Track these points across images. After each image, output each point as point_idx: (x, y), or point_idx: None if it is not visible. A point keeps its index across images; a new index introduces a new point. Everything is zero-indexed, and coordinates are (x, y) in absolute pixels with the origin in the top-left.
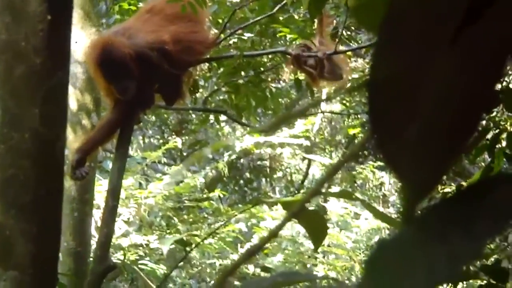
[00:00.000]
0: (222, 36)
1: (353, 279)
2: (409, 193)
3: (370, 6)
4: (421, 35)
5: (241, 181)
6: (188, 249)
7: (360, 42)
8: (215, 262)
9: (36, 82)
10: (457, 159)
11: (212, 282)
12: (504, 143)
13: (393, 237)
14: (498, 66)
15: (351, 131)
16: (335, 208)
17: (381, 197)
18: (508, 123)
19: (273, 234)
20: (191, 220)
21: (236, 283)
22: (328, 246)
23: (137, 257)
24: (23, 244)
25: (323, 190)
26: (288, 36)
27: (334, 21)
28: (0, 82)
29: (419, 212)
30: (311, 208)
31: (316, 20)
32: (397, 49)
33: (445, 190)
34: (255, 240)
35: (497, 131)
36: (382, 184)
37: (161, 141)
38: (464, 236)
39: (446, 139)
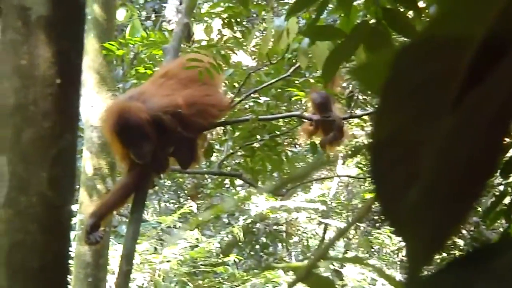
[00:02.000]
0: (237, 99)
1: None
2: (413, 255)
3: (371, 67)
4: (422, 97)
5: (257, 246)
6: None
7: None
8: None
9: (44, 146)
10: (463, 222)
11: None
12: None
13: None
14: (500, 131)
15: (367, 195)
16: (351, 273)
17: (398, 262)
18: None
19: None
20: (206, 285)
21: None
22: None
23: None
24: None
25: (340, 256)
26: (304, 100)
27: (350, 85)
28: (8, 146)
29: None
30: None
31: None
32: (398, 110)
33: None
34: None
35: None
36: (399, 249)
37: (176, 205)
38: None
39: (448, 202)
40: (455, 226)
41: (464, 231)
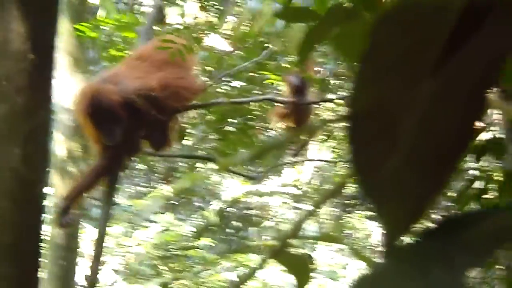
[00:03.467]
0: (210, 82)
1: None
2: (389, 227)
3: (349, 36)
4: (402, 66)
5: (229, 230)
6: None
7: (348, 90)
8: None
9: (18, 121)
10: (439, 192)
11: None
12: (491, 193)
13: (372, 270)
14: (478, 99)
15: (339, 180)
16: (322, 257)
17: (368, 247)
18: (496, 173)
19: (251, 274)
20: (178, 268)
21: None
22: None
23: None
24: (2, 287)
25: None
26: (276, 84)
27: (322, 69)
28: None
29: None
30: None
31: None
32: (377, 80)
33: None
34: None
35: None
36: (370, 234)
37: (148, 188)
38: (444, 268)
39: (426, 173)
40: (434, 195)
41: (435, 216)
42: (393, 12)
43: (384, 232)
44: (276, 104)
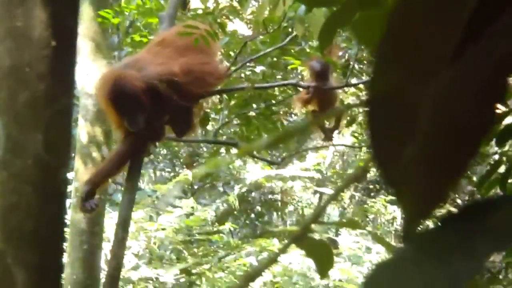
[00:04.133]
0: (233, 68)
1: None
2: (408, 213)
3: (368, 22)
4: (420, 52)
5: (252, 215)
6: (193, 279)
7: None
8: None
9: (40, 108)
10: (458, 180)
11: None
12: None
13: (391, 257)
14: (498, 86)
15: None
16: (346, 242)
17: (393, 232)
18: None
19: (274, 259)
20: (201, 253)
21: None
22: (340, 280)
23: None
24: (24, 273)
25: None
26: (300, 69)
27: (346, 54)
28: (3, 108)
29: (419, 232)
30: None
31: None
32: (396, 66)
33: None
34: (265, 274)
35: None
36: (394, 218)
37: (172, 174)
38: (463, 255)
39: (445, 159)
40: (452, 182)
41: (459, 200)
42: None
43: (404, 218)
44: (299, 89)
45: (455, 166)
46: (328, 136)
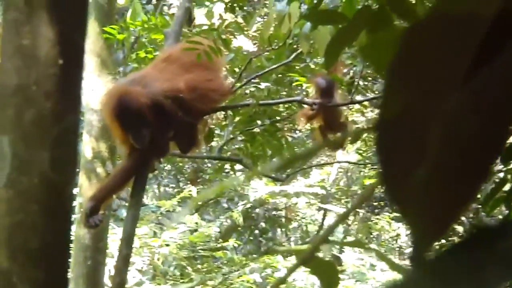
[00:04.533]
0: (238, 84)
1: None
2: (418, 237)
3: (379, 45)
4: (431, 74)
5: (256, 231)
6: None
7: (377, 92)
8: None
9: (46, 126)
10: (468, 204)
11: None
12: None
13: (400, 280)
14: (509, 110)
15: (367, 182)
16: (350, 259)
17: (397, 249)
18: None
19: (283, 280)
20: (205, 269)
21: None
22: None
23: None
24: None
25: (340, 241)
26: (304, 86)
27: (351, 71)
28: (10, 126)
29: (428, 257)
30: (323, 257)
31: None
32: (406, 88)
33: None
34: None
35: None
36: (398, 235)
37: (176, 190)
38: (474, 281)
39: (455, 182)
40: (462, 206)
41: (463, 218)
42: (424, 21)
43: (412, 242)
44: (304, 105)
45: (466, 189)
46: (336, 147)
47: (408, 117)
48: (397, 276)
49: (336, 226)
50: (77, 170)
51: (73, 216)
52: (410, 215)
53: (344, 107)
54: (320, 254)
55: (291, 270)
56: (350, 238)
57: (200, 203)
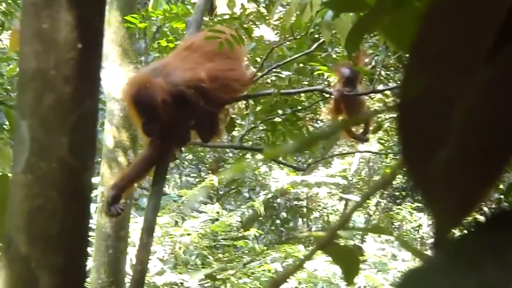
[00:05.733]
0: (260, 74)
1: None
2: (439, 220)
3: (399, 25)
4: (453, 54)
5: (278, 221)
6: (218, 284)
7: (399, 81)
8: None
9: (65, 111)
10: (491, 187)
11: None
12: None
13: (421, 265)
14: None
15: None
16: (372, 249)
17: (418, 239)
18: None
19: (300, 265)
20: (226, 259)
21: None
22: (365, 287)
23: None
24: (48, 276)
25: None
26: (326, 74)
27: (373, 61)
28: (29, 111)
29: (450, 239)
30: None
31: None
32: (428, 69)
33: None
34: (290, 280)
35: None
36: (420, 226)
37: (197, 179)
38: (497, 263)
39: (478, 164)
40: (485, 189)
41: (485, 208)
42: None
43: (434, 225)
44: (325, 95)
45: (489, 170)
46: (361, 139)
47: (430, 97)
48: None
49: (353, 211)
50: (99, 159)
51: (95, 205)
52: (432, 198)
53: (366, 97)
54: (342, 243)
55: (309, 255)
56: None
57: (221, 192)
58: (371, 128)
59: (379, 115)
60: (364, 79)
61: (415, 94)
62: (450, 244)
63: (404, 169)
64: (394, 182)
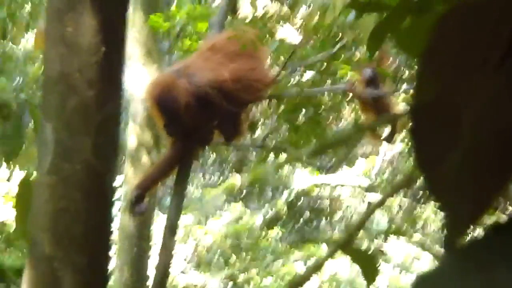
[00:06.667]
0: (283, 73)
1: None
2: (452, 222)
3: (412, 32)
4: (465, 60)
5: (301, 221)
6: (240, 283)
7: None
8: None
9: (89, 114)
10: (503, 190)
11: None
12: None
13: (434, 268)
14: None
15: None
16: (395, 250)
17: (442, 239)
18: None
19: (320, 266)
20: (249, 258)
21: None
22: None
23: None
24: (72, 276)
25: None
26: (349, 74)
27: (397, 60)
28: (53, 113)
29: (463, 242)
30: (364, 248)
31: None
32: (439, 75)
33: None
34: (312, 281)
35: None
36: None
37: (221, 178)
38: (508, 268)
39: (489, 168)
40: (496, 192)
41: (503, 209)
42: (458, 8)
43: (446, 228)
44: (349, 95)
45: (500, 173)
46: (388, 140)
47: (442, 102)
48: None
49: (371, 213)
50: (123, 158)
51: (119, 204)
52: (444, 198)
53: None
54: (364, 244)
55: (328, 256)
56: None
57: (245, 191)
58: (397, 129)
59: (402, 115)
60: (389, 80)
61: (427, 100)
62: (463, 246)
63: (419, 172)
64: (418, 182)
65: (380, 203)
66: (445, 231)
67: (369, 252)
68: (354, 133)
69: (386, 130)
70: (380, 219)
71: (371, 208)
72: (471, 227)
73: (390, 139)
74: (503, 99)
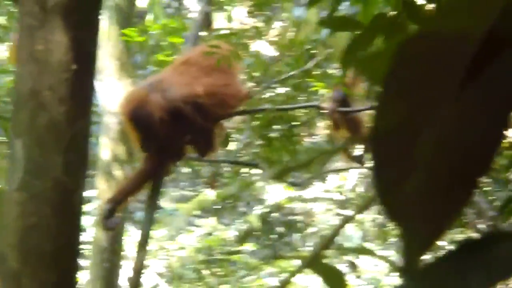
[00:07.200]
0: (256, 89)
1: None
2: (410, 246)
3: (374, 59)
4: (424, 87)
5: (273, 236)
6: None
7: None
8: None
9: (59, 130)
10: (459, 213)
11: None
12: None
13: None
14: (499, 123)
15: None
16: (366, 264)
17: (401, 261)
18: None
19: (287, 281)
20: (221, 273)
21: None
22: None
23: None
24: None
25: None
26: (322, 91)
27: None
28: (24, 130)
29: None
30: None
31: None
32: (400, 101)
33: None
34: None
35: None
36: None
37: (193, 193)
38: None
39: (446, 191)
40: (452, 217)
41: (483, 225)
42: (419, 35)
43: (404, 251)
44: (321, 111)
45: (456, 198)
46: (359, 161)
47: (401, 128)
48: None
49: (339, 230)
50: (95, 172)
51: (92, 219)
52: (403, 223)
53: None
54: (336, 259)
55: (295, 272)
56: (367, 244)
57: (217, 206)
58: (368, 149)
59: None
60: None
61: (387, 125)
62: (419, 271)
63: (376, 196)
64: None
65: (348, 219)
66: (403, 254)
67: (334, 269)
68: (323, 154)
69: (357, 151)
70: (353, 234)
71: (338, 226)
72: (427, 250)
73: (360, 159)
74: (460, 126)
